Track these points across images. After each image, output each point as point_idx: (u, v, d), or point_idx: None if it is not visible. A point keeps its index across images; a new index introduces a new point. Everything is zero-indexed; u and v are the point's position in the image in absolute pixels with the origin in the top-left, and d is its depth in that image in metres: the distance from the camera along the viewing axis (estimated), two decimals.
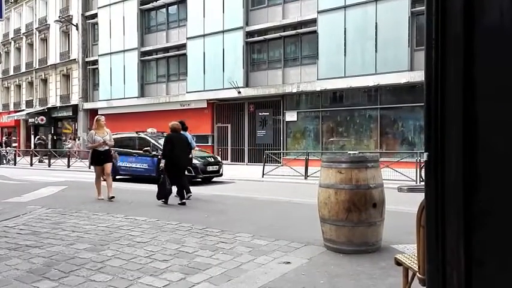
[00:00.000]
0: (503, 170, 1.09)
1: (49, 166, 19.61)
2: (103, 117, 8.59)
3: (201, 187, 10.42)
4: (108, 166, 8.21)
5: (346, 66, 16.59)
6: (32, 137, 31.49)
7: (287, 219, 5.89)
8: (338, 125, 17.59)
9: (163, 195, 7.46)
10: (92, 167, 9.60)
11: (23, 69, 32.87)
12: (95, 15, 26.79)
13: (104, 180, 8.24)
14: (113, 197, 7.97)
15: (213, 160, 12.43)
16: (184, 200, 7.47)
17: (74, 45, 27.99)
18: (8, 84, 35.12)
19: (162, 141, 10.31)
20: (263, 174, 13.36)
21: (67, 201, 7.88)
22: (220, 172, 12.30)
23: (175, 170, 7.58)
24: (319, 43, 17.29)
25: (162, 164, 7.64)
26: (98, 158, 8.12)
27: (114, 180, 10.40)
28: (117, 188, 9.03)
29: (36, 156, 22.12)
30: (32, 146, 26.52)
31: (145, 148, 11.61)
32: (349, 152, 4.29)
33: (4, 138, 31.72)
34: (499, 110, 1.09)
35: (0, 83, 35.78)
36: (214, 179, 12.27)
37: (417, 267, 2.27)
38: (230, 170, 15.66)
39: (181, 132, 8.11)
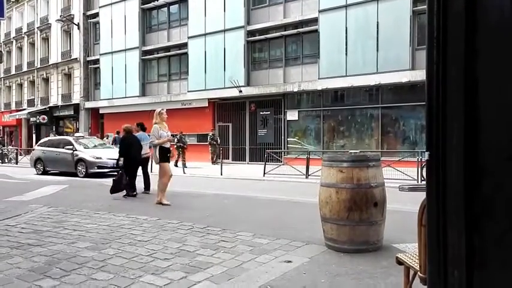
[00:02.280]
0: (504, 169, 1.08)
1: None
2: (165, 110, 7.69)
3: None
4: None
5: (347, 65, 16.57)
6: (34, 136, 31.56)
7: (288, 218, 5.89)
8: (339, 124, 17.58)
9: (117, 189, 8.19)
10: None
11: (25, 68, 32.92)
12: (96, 15, 26.81)
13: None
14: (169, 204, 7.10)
15: None
16: (135, 193, 8.36)
17: (76, 45, 28.01)
18: (9, 83, 35.19)
19: None
20: (264, 173, 13.36)
21: (69, 200, 7.90)
22: None
23: (133, 168, 8.52)
24: (321, 42, 17.27)
25: (121, 162, 8.40)
26: (166, 155, 7.29)
27: None
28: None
29: None
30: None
31: None
32: (350, 151, 4.28)
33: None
34: (501, 109, 1.09)
35: (2, 82, 35.85)
36: None
37: (418, 266, 2.27)
38: (231, 169, 15.67)
39: (141, 132, 9.24)
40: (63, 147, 14.32)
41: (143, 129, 9.44)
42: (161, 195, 7.14)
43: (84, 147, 14.40)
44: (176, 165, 16.76)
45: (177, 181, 11.58)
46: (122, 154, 8.49)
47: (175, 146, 17.75)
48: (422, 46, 14.24)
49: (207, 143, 19.48)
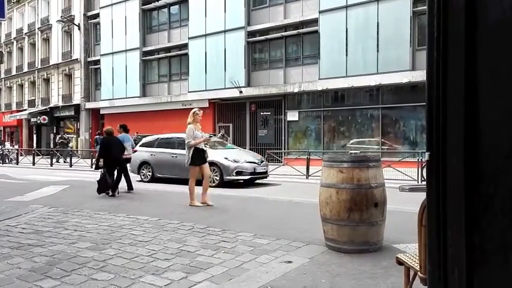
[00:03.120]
0: (504, 169, 1.09)
1: (51, 165, 19.65)
2: (201, 111, 7.44)
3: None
4: (208, 167, 7.33)
5: (347, 65, 16.58)
6: (35, 136, 31.58)
7: (288, 219, 5.89)
8: (339, 125, 17.58)
9: (104, 189, 8.52)
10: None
11: (25, 69, 32.96)
12: (97, 15, 26.85)
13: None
14: (211, 205, 6.99)
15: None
16: (115, 193, 8.62)
17: (76, 45, 28.05)
18: (10, 84, 35.23)
19: None
20: None
21: (69, 200, 7.90)
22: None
23: (113, 167, 8.80)
24: (321, 43, 17.28)
25: (101, 163, 8.74)
26: (199, 157, 7.11)
27: None
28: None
29: (52, 156, 20.51)
30: (49, 145, 25.04)
31: None
32: (350, 152, 4.29)
33: None
34: (501, 109, 1.09)
35: (3, 82, 35.89)
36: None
37: (419, 266, 2.27)
38: None
39: (123, 133, 9.56)
40: (180, 148, 10.64)
41: (126, 130, 9.71)
42: (190, 197, 7.08)
43: (211, 147, 10.64)
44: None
45: (178, 182, 11.60)
46: (102, 155, 8.80)
47: None
48: (423, 47, 14.24)
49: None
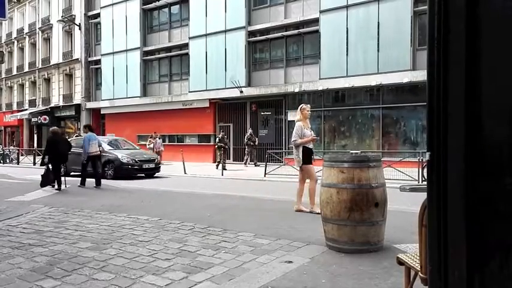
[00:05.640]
0: (506, 169, 1.09)
1: None
2: (308, 106, 6.83)
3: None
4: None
5: (348, 65, 16.57)
6: (35, 136, 31.58)
7: (289, 219, 5.89)
8: (340, 125, 17.57)
9: (46, 183, 9.42)
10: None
11: (26, 69, 32.98)
12: (97, 15, 26.85)
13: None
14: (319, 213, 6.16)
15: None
16: (62, 187, 9.62)
17: (77, 45, 28.06)
18: (11, 84, 35.25)
19: None
20: (265, 173, 13.36)
21: (69, 200, 7.91)
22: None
23: (58, 164, 9.81)
24: (321, 42, 17.27)
25: (46, 159, 9.56)
26: (310, 157, 6.50)
27: None
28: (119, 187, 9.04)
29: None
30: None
31: None
32: (351, 152, 4.26)
33: None
34: (502, 109, 1.09)
35: (4, 82, 35.91)
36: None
37: (419, 266, 2.27)
38: (232, 170, 15.68)
39: (89, 133, 10.54)
40: None
41: (91, 130, 10.77)
42: (311, 201, 6.36)
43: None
44: (224, 168, 15.36)
45: (179, 181, 11.63)
46: (48, 152, 9.67)
47: (216, 147, 17.50)
48: (423, 46, 14.23)
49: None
